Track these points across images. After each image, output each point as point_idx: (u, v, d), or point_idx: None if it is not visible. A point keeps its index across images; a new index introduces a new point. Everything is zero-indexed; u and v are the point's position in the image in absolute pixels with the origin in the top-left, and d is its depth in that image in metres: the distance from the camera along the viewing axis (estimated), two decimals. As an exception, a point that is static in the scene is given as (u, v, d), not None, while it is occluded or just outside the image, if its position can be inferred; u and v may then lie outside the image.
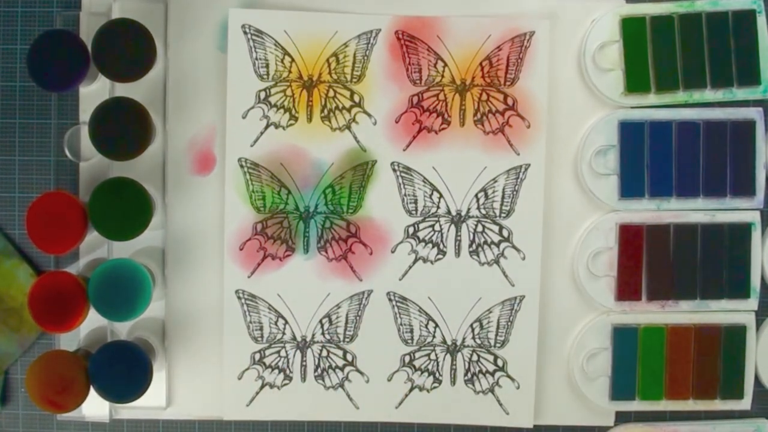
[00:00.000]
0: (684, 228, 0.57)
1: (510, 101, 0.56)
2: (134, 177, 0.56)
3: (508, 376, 0.57)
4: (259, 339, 0.57)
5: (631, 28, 0.56)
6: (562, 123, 0.57)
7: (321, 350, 0.57)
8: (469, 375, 0.57)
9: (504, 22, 0.56)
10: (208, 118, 0.57)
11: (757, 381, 0.58)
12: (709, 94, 0.56)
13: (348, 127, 0.56)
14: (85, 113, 0.52)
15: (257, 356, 0.57)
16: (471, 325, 0.57)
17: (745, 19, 0.56)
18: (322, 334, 0.57)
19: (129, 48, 0.51)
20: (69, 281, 0.52)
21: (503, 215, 0.57)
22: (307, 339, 0.57)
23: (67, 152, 0.56)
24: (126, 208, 0.52)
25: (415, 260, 0.57)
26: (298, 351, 0.57)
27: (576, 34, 0.57)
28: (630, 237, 0.56)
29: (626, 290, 0.57)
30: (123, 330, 0.56)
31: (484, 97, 0.56)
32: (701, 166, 0.56)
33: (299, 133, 0.56)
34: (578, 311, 0.58)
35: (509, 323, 0.57)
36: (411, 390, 0.57)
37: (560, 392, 0.58)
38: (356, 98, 0.56)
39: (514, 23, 0.56)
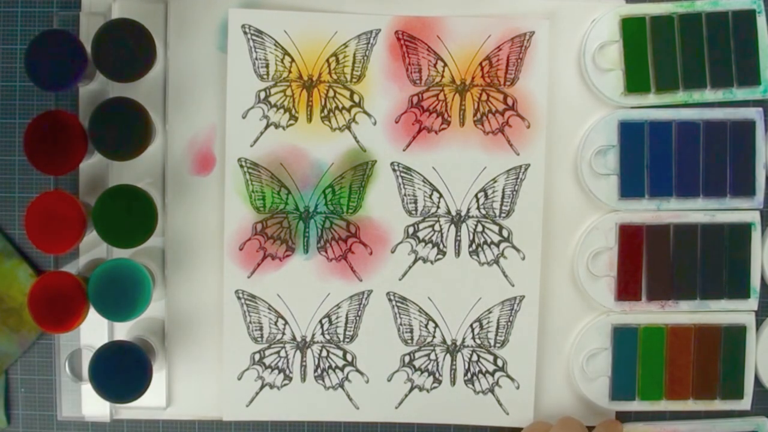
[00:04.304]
0: (684, 228, 0.56)
1: (510, 101, 0.56)
2: (134, 177, 0.56)
3: (508, 376, 0.57)
4: (259, 339, 0.57)
5: (631, 28, 0.56)
6: (562, 123, 0.57)
7: (321, 350, 0.57)
8: (469, 375, 0.57)
9: (504, 22, 0.56)
10: (208, 118, 0.57)
11: (757, 381, 0.58)
12: (709, 94, 0.56)
13: (348, 127, 0.56)
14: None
15: (257, 356, 0.57)
16: (471, 325, 0.57)
17: (745, 19, 0.56)
18: (322, 334, 0.57)
19: (129, 48, 0.51)
20: (69, 281, 0.51)
21: (503, 215, 0.57)
22: (307, 339, 0.57)
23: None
24: (131, 216, 0.52)
25: (415, 260, 0.57)
26: (298, 351, 0.57)
27: (576, 34, 0.57)
28: (630, 237, 0.56)
29: (626, 290, 0.57)
30: (123, 330, 0.56)
31: (484, 97, 0.56)
32: (701, 166, 0.56)
33: (299, 133, 0.56)
34: (578, 311, 0.58)
35: (509, 323, 0.57)
36: (411, 390, 0.57)
37: (560, 392, 0.58)
38: (356, 98, 0.56)
39: (514, 23, 0.56)
